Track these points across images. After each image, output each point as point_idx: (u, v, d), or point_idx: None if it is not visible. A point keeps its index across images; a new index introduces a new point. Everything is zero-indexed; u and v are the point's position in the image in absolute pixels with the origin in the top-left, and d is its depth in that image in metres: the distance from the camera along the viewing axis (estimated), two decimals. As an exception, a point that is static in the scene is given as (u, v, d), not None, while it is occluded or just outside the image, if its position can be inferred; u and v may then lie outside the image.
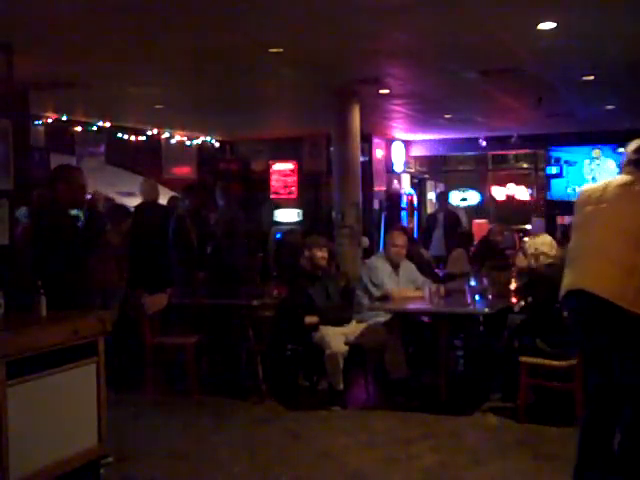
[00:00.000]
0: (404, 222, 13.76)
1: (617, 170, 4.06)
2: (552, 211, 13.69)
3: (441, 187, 16.80)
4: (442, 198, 12.35)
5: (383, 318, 6.28)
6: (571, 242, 3.86)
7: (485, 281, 6.29)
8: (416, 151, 15.20)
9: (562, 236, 8.64)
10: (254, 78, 7.99)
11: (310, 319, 6.12)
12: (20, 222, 6.33)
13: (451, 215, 11.72)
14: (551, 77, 8.30)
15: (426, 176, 16.08)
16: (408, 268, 6.77)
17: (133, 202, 10.60)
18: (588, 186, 3.99)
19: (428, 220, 11.86)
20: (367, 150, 12.84)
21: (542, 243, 5.75)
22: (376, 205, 13.38)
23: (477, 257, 8.90)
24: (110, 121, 10.77)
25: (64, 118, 10.14)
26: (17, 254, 5.62)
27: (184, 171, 13.15)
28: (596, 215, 3.69)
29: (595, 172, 13.29)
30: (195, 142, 13.19)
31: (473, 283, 6.28)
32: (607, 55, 7.18)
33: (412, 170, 15.31)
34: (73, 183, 5.20)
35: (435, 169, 16.54)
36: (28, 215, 6.62)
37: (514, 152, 15.97)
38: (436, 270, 8.89)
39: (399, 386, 6.10)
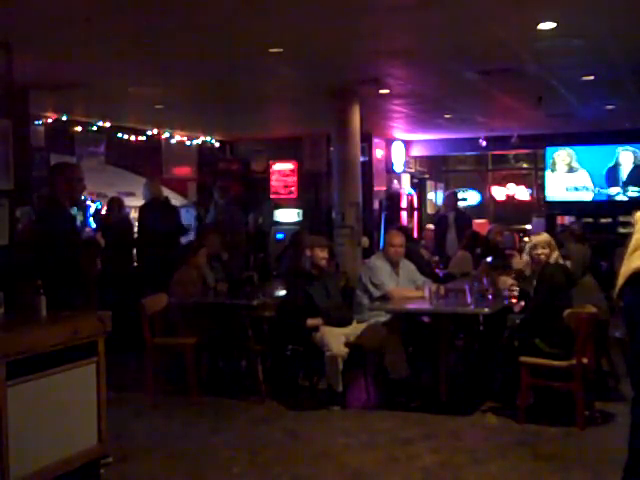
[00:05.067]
0: (404, 222, 13.74)
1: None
2: (552, 211, 13.71)
3: (441, 187, 16.80)
4: (451, 198, 12.15)
5: (383, 318, 6.28)
6: None
7: (485, 281, 6.29)
8: (416, 151, 15.19)
9: (563, 235, 8.63)
10: (254, 78, 7.99)
11: (313, 321, 6.12)
12: (21, 221, 6.34)
13: (461, 215, 11.61)
14: (551, 77, 8.30)
15: (426, 176, 16.07)
16: (408, 268, 6.77)
17: (133, 202, 10.65)
18: None
19: (439, 222, 11.65)
20: (367, 150, 12.82)
21: (541, 242, 5.75)
22: (376, 205, 13.37)
23: (478, 258, 8.88)
24: (110, 121, 10.76)
25: (64, 118, 10.13)
26: (17, 254, 5.63)
27: (184, 171, 13.15)
28: None
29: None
30: (195, 142, 13.18)
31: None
32: (607, 55, 7.17)
33: (412, 170, 15.30)
34: (71, 179, 5.22)
35: (435, 169, 16.54)
36: (30, 214, 6.64)
37: (514, 152, 15.98)
38: (436, 270, 8.88)
39: (399, 386, 6.11)
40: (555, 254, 5.73)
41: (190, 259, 7.05)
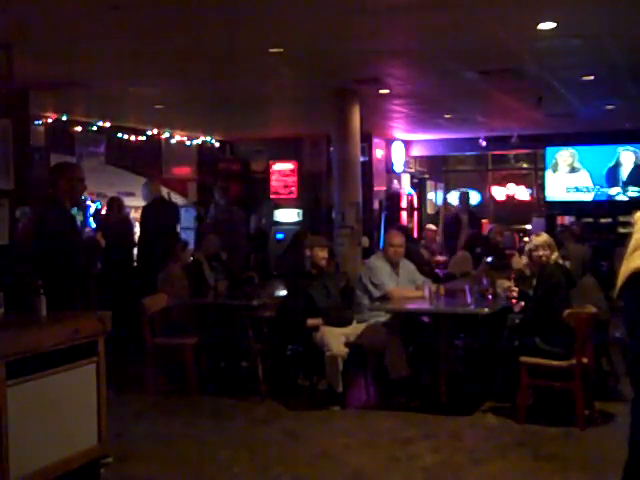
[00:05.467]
0: (404, 222, 13.73)
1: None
2: (552, 211, 13.71)
3: (441, 187, 16.80)
4: (465, 198, 12.10)
5: (383, 318, 6.28)
6: None
7: (485, 281, 6.29)
8: (416, 151, 15.19)
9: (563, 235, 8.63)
10: (254, 78, 7.99)
11: (313, 321, 6.12)
12: (21, 221, 6.34)
13: (473, 215, 11.51)
14: (551, 77, 8.29)
15: (426, 176, 16.08)
16: (408, 268, 6.76)
17: (133, 202, 10.65)
18: None
19: (452, 222, 11.55)
20: (367, 150, 12.82)
21: (542, 243, 5.74)
22: (376, 205, 13.37)
23: (478, 258, 8.88)
24: (110, 121, 10.76)
25: (64, 118, 10.14)
26: (17, 254, 5.63)
27: (184, 171, 13.15)
28: None
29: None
30: (195, 142, 13.18)
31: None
32: (607, 55, 7.17)
33: (412, 170, 15.30)
34: (72, 179, 5.22)
35: (435, 169, 16.53)
36: (28, 214, 6.63)
37: (514, 152, 15.98)
38: (437, 270, 8.88)
39: (399, 386, 6.10)
40: (555, 255, 5.73)
41: (174, 257, 7.09)
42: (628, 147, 13.07)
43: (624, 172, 13.15)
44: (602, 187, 13.27)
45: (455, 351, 7.00)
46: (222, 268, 7.57)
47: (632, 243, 3.77)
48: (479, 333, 6.80)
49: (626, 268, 3.69)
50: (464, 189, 14.89)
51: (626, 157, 13.11)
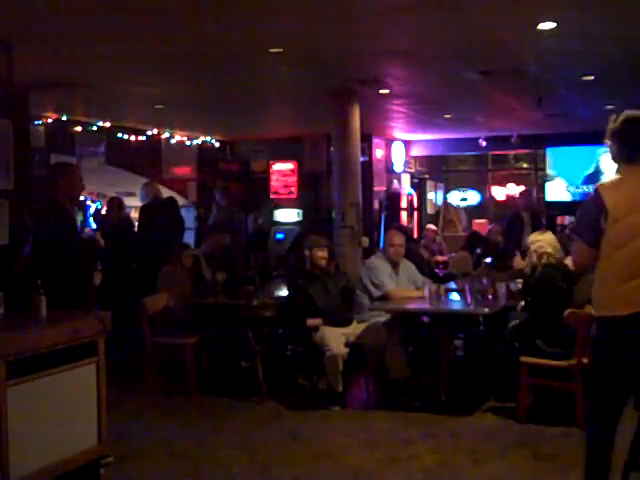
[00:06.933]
0: (404, 222, 13.73)
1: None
2: (552, 211, 13.69)
3: (441, 187, 16.80)
4: (527, 197, 11.60)
5: (383, 318, 6.28)
6: (615, 254, 3.61)
7: (485, 281, 6.29)
8: (416, 151, 15.18)
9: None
10: (254, 78, 7.99)
11: (313, 321, 6.12)
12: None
13: (536, 213, 11.00)
14: (551, 77, 8.29)
15: (426, 176, 16.08)
16: (408, 268, 6.76)
17: (133, 202, 10.65)
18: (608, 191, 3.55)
19: (511, 221, 11.01)
20: (367, 150, 12.82)
21: (548, 242, 5.73)
22: (376, 205, 13.37)
23: (478, 258, 8.88)
24: (110, 121, 10.76)
25: (64, 118, 10.14)
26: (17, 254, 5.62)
27: (184, 171, 13.15)
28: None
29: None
30: (195, 142, 13.18)
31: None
32: (607, 55, 7.17)
33: (412, 170, 15.30)
34: (71, 178, 5.23)
35: (435, 169, 16.53)
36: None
37: (514, 152, 15.97)
38: (436, 270, 8.88)
39: (399, 386, 6.11)
40: (557, 255, 5.70)
41: (176, 260, 7.08)
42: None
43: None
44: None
45: (455, 351, 7.01)
46: (218, 265, 7.57)
47: (622, 264, 3.58)
48: (479, 333, 6.80)
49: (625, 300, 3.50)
50: (526, 188, 14.43)
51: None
